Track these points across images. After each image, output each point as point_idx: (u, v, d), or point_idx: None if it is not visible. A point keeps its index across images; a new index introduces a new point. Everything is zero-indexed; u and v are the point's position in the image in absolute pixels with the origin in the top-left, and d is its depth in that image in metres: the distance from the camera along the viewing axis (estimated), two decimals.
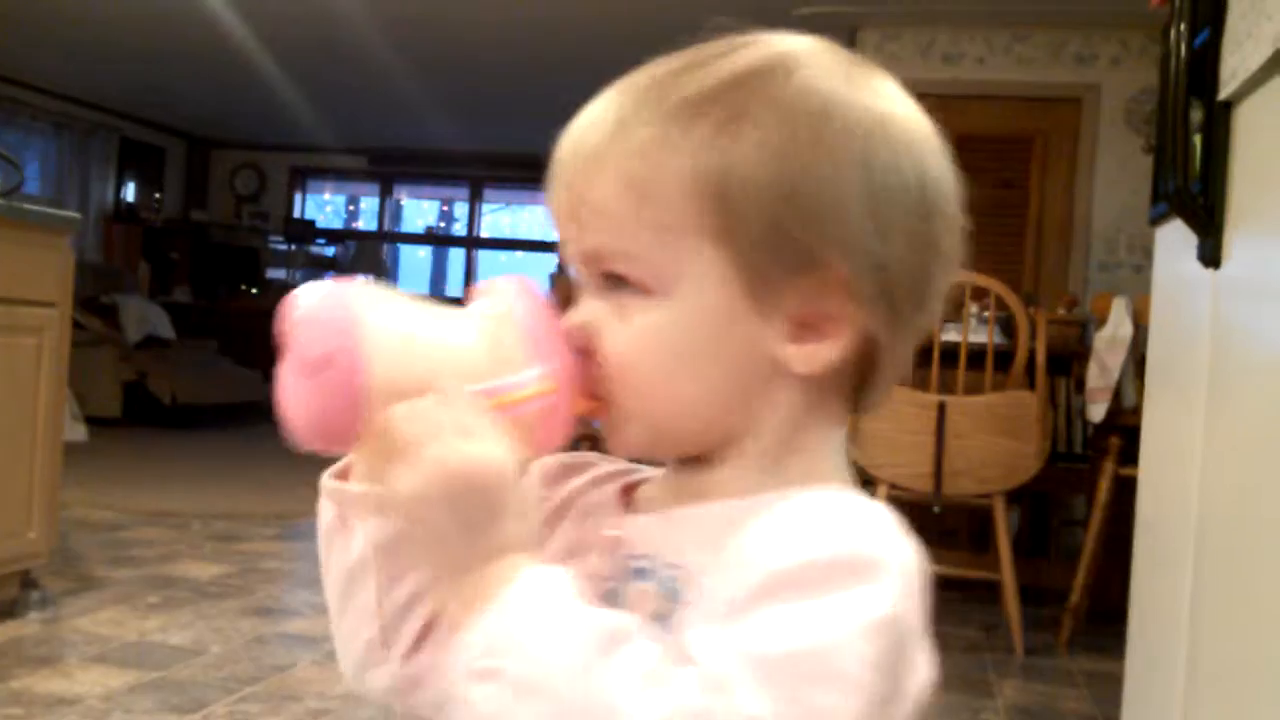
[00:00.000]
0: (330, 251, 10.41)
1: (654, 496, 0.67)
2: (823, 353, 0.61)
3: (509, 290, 0.62)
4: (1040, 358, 3.25)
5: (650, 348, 0.60)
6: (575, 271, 0.63)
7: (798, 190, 0.58)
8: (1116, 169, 5.16)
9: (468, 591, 0.53)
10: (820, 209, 0.58)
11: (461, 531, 0.54)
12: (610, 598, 0.61)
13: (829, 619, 0.49)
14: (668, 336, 0.60)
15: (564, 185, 0.62)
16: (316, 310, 0.57)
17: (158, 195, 9.80)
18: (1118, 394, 3.32)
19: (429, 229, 10.95)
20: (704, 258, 0.59)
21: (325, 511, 0.66)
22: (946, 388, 3.29)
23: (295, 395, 0.57)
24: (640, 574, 0.62)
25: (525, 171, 10.65)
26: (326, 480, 0.65)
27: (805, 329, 0.61)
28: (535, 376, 0.58)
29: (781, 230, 0.58)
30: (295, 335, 0.57)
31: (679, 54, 0.63)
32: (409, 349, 0.57)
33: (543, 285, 0.64)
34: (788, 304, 0.60)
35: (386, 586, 0.64)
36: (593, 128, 0.61)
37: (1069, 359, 3.88)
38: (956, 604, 3.58)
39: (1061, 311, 4.23)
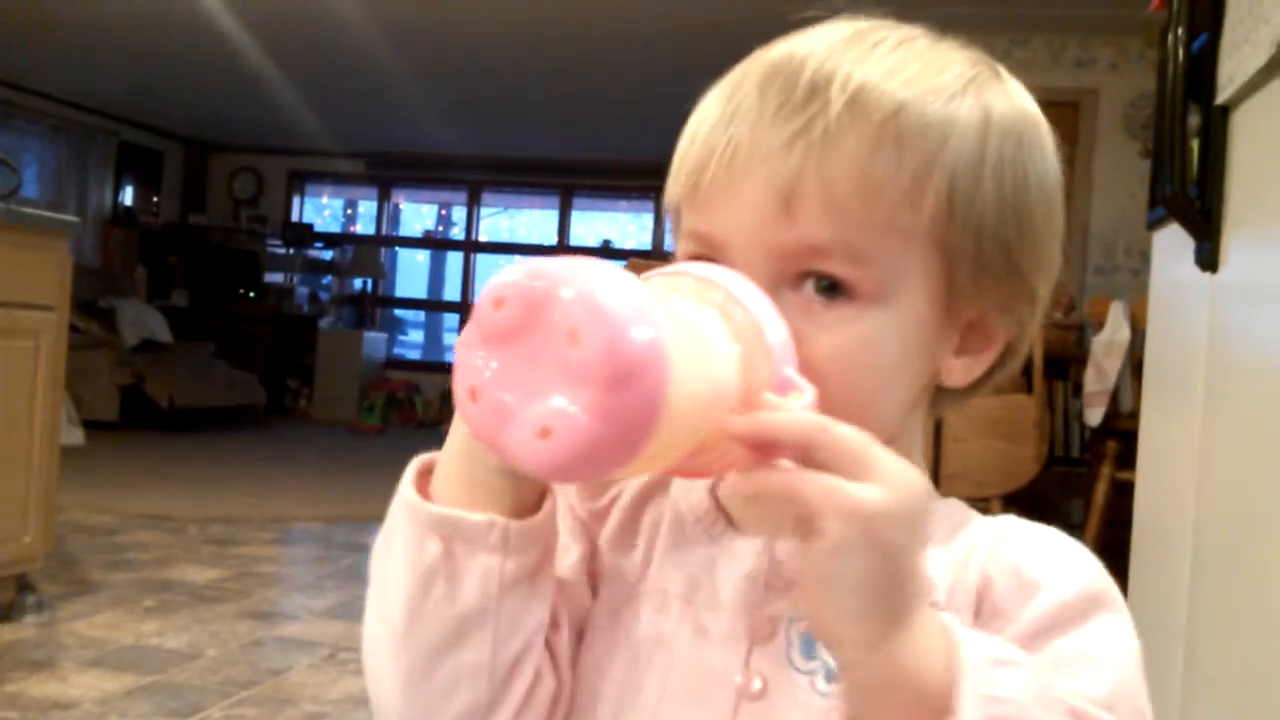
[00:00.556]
0: (328, 255, 10.41)
1: (751, 510, 0.61)
2: (978, 365, 0.61)
3: (749, 294, 0.52)
4: (1037, 361, 3.25)
5: (857, 357, 0.55)
6: (749, 265, 0.55)
7: (1022, 204, 0.57)
8: (1114, 173, 5.16)
9: (924, 643, 0.47)
10: (1034, 223, 0.58)
11: (909, 560, 0.46)
12: (809, 641, 0.57)
13: (1120, 653, 0.53)
14: (876, 346, 0.55)
15: (763, 172, 0.54)
16: (617, 307, 0.44)
17: (155, 199, 9.79)
18: (1115, 398, 3.32)
19: (427, 233, 10.94)
20: (925, 266, 0.56)
21: (425, 546, 0.54)
22: None
23: (566, 411, 0.44)
24: None
25: (523, 175, 10.69)
26: (422, 505, 0.54)
27: (966, 340, 0.60)
28: (810, 404, 0.50)
29: (1002, 242, 0.57)
30: (583, 334, 0.43)
31: (857, 33, 0.57)
32: (690, 364, 0.46)
33: None
34: (968, 314, 0.59)
35: (503, 639, 0.55)
36: (804, 112, 0.54)
37: (1066, 363, 3.89)
38: None
39: (1059, 315, 4.24)
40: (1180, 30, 1.62)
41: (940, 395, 0.62)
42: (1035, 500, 4.22)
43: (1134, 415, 2.73)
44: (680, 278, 0.53)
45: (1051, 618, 0.53)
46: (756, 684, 0.57)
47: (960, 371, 0.60)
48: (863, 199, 0.53)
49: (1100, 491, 3.30)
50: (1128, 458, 2.76)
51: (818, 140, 0.53)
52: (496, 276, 0.46)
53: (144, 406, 7.58)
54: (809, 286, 0.55)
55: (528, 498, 0.55)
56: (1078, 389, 3.73)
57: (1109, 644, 0.53)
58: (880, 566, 0.45)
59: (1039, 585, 0.54)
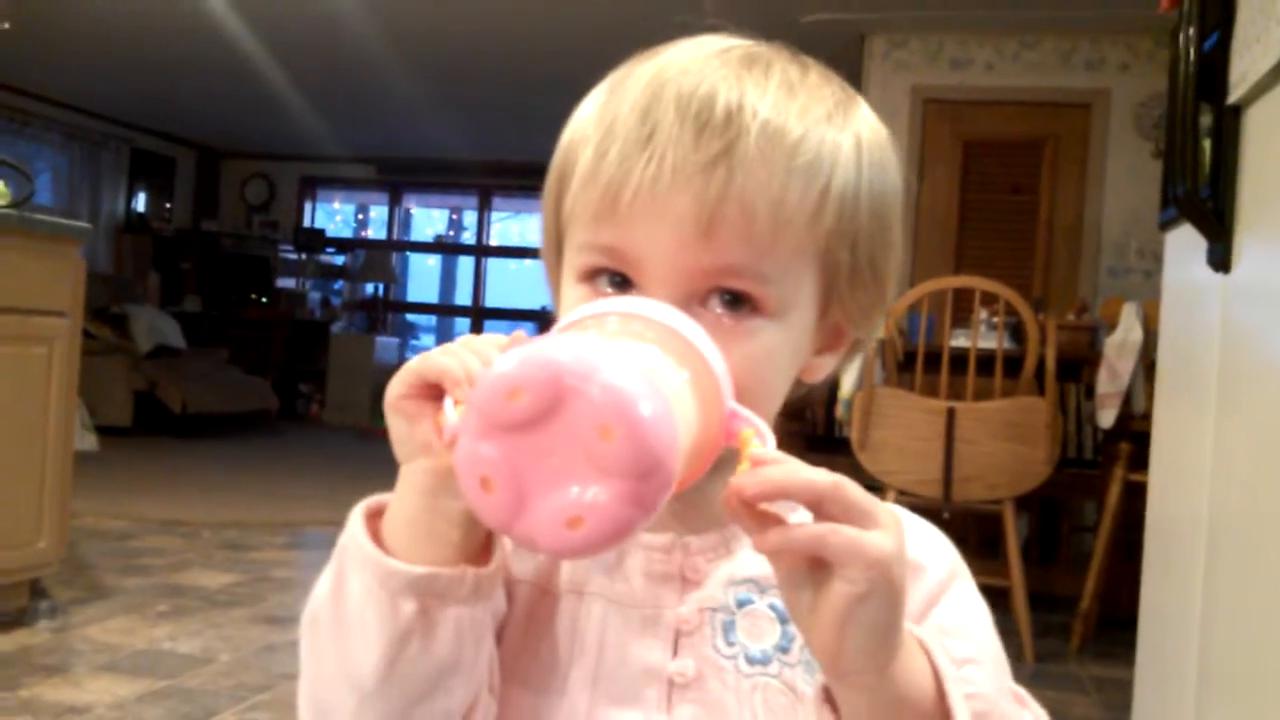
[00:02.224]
0: (340, 260, 10.44)
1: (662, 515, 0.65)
2: (830, 363, 0.66)
3: (680, 322, 0.53)
4: (1050, 363, 3.24)
5: (761, 368, 0.59)
6: (664, 282, 0.58)
7: (885, 219, 0.63)
8: (1126, 174, 5.15)
9: (911, 659, 0.53)
10: (892, 235, 0.64)
11: (906, 591, 0.51)
12: (729, 629, 0.63)
13: (981, 614, 0.65)
14: (776, 357, 0.60)
15: (687, 194, 0.56)
16: (644, 402, 0.45)
17: (168, 205, 9.83)
18: (1128, 399, 3.31)
19: (438, 237, 10.96)
20: (813, 280, 0.61)
21: (400, 607, 0.54)
22: (956, 394, 3.28)
23: (597, 502, 0.46)
24: (743, 600, 0.63)
25: (533, 180, 10.64)
26: (398, 567, 0.54)
27: (827, 340, 0.65)
28: (774, 443, 0.52)
29: (870, 255, 0.62)
30: (615, 430, 0.45)
31: (752, 60, 0.61)
32: (683, 434, 0.48)
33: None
34: (834, 318, 0.64)
35: (468, 681, 0.57)
36: (723, 136, 0.57)
37: (1079, 364, 3.87)
38: None
39: (1071, 317, 4.22)
40: (1191, 30, 1.62)
41: (793, 387, 0.66)
42: (1048, 502, 4.21)
43: (1147, 417, 2.72)
44: (604, 318, 0.53)
45: (932, 594, 0.63)
46: (689, 672, 0.61)
47: (819, 369, 0.66)
48: (775, 224, 0.57)
49: (1113, 493, 3.29)
50: (1141, 459, 2.75)
51: (739, 164, 0.56)
52: (500, 365, 0.47)
53: (157, 412, 7.60)
54: (715, 301, 0.58)
55: (479, 544, 0.56)
56: (1090, 391, 3.72)
57: (972, 609, 0.64)
58: (893, 604, 0.49)
59: (922, 567, 0.63)
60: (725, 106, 0.57)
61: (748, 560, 0.63)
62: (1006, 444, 3.17)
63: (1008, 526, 3.21)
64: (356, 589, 0.55)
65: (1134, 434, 3.20)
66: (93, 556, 3.80)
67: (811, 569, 0.50)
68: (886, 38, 5.35)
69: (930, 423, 3.20)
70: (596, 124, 0.60)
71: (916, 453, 3.21)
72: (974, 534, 4.01)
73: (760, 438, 0.52)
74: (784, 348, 0.60)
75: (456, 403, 0.51)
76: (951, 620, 0.62)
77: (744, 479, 0.49)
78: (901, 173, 0.65)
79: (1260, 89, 1.46)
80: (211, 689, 2.55)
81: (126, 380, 7.51)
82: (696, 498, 0.58)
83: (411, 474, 0.55)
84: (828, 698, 0.54)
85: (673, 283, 0.57)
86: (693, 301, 0.58)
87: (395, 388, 0.55)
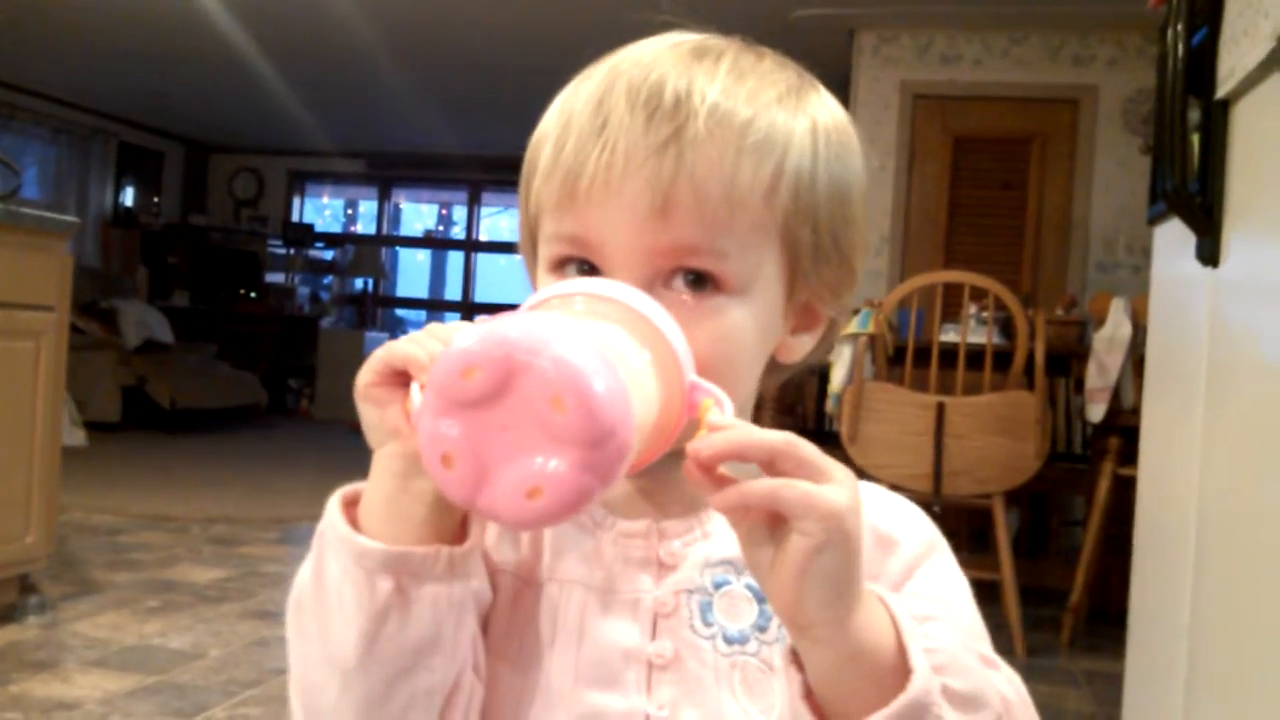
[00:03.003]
0: (329, 255, 10.41)
1: (630, 495, 0.66)
2: (808, 342, 0.68)
3: (643, 303, 0.55)
4: (1039, 358, 3.25)
5: (727, 344, 0.61)
6: (626, 265, 0.60)
7: (845, 197, 0.64)
8: (1114, 169, 5.16)
9: (871, 613, 0.53)
10: (854, 212, 0.65)
11: (861, 544, 0.52)
12: (706, 610, 0.64)
13: (960, 586, 0.65)
14: (741, 332, 0.62)
15: (640, 177, 0.58)
16: (593, 373, 0.46)
17: (156, 199, 9.79)
18: (1117, 394, 3.32)
19: (427, 232, 10.94)
20: (775, 257, 0.62)
21: (377, 585, 0.56)
22: (945, 388, 3.29)
23: (554, 471, 0.47)
24: (720, 582, 0.64)
25: None
26: (371, 546, 0.56)
27: (800, 320, 0.66)
28: (732, 410, 0.54)
29: (832, 232, 0.64)
30: (567, 401, 0.46)
31: (703, 51, 0.63)
32: (634, 391, 0.49)
33: None
34: (803, 297, 0.65)
35: (449, 659, 0.59)
36: (672, 121, 0.59)
37: (1068, 359, 3.88)
38: None
39: (1060, 312, 4.24)
40: (1180, 25, 1.62)
41: (771, 369, 0.68)
42: (1038, 496, 4.22)
43: (1136, 411, 2.73)
44: (571, 299, 0.55)
45: (908, 567, 0.64)
46: (667, 654, 0.63)
47: (794, 348, 0.68)
48: (728, 202, 0.59)
49: (1102, 488, 3.30)
50: (1130, 454, 2.76)
51: (688, 146, 0.58)
52: (456, 344, 0.48)
53: (146, 407, 7.58)
54: (679, 281, 0.60)
55: (454, 524, 0.58)
56: (1079, 385, 3.73)
57: (951, 581, 0.65)
58: (849, 555, 0.50)
59: (895, 541, 0.64)
60: (674, 93, 0.59)
61: (724, 542, 0.65)
62: (996, 438, 3.18)
63: (997, 520, 3.22)
64: (335, 570, 0.57)
65: (1123, 428, 3.21)
66: (82, 552, 3.79)
67: (770, 527, 0.51)
68: (876, 33, 5.36)
69: (920, 417, 3.20)
70: (556, 121, 0.63)
71: (906, 447, 3.22)
72: (964, 528, 4.02)
73: (719, 405, 0.53)
74: (750, 324, 0.62)
75: (423, 386, 0.52)
76: (927, 591, 0.63)
77: (700, 443, 0.51)
78: (863, 155, 0.67)
79: (1248, 83, 1.47)
80: (202, 684, 2.54)
81: (115, 375, 7.48)
82: (670, 483, 0.63)
83: (383, 458, 0.57)
84: (794, 659, 0.55)
85: (635, 265, 0.59)
86: (656, 282, 0.60)
87: (364, 376, 0.56)
